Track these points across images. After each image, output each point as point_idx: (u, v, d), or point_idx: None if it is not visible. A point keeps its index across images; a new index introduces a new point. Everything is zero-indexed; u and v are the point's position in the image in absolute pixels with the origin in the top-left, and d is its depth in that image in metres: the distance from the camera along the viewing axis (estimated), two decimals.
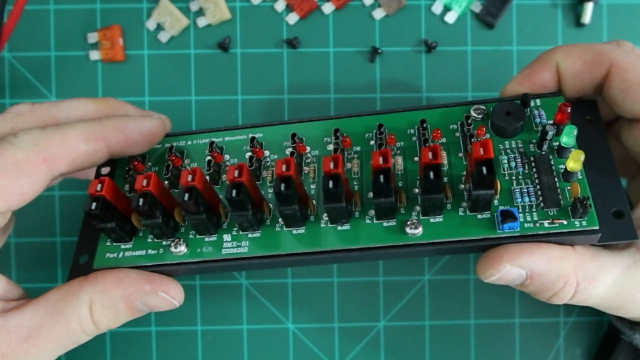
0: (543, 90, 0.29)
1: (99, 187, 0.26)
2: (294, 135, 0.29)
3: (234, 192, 0.25)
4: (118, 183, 0.28)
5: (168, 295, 0.27)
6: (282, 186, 0.24)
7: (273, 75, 0.37)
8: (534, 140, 0.28)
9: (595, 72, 0.28)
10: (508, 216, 0.25)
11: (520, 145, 0.28)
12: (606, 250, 0.27)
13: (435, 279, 0.37)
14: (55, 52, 0.37)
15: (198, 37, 0.37)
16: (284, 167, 0.24)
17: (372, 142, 0.29)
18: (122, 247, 0.28)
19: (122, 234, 0.27)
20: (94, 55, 0.36)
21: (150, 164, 0.30)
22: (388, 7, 0.37)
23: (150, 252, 0.28)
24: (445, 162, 0.27)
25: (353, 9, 0.37)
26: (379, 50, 0.36)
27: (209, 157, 0.29)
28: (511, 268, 0.25)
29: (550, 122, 0.27)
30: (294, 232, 0.27)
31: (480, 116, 0.28)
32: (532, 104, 0.29)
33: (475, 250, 0.26)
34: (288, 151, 0.29)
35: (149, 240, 0.28)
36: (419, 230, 0.26)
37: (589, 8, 0.36)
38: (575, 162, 0.25)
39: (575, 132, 0.26)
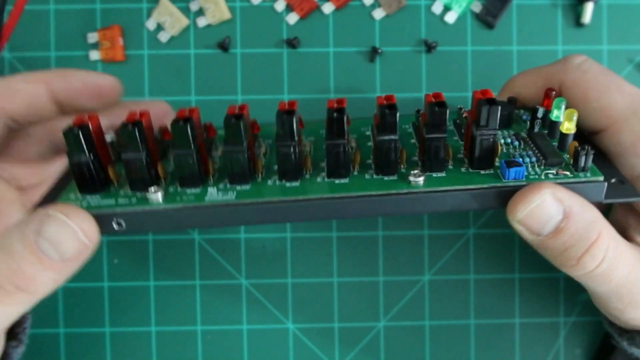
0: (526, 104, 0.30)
1: (85, 118, 0.25)
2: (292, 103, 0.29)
3: (232, 119, 0.24)
4: None
5: (66, 217, 0.23)
6: (284, 116, 0.25)
7: (273, 75, 0.37)
8: (525, 130, 0.28)
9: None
10: (512, 163, 0.24)
11: (512, 133, 0.28)
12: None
13: (435, 279, 0.37)
14: (55, 52, 0.37)
15: (198, 37, 0.37)
16: (286, 106, 0.25)
17: (367, 133, 0.29)
18: (88, 198, 0.25)
19: (94, 181, 0.25)
20: (94, 55, 0.36)
21: None
22: (388, 7, 0.37)
23: (121, 201, 0.25)
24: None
25: (353, 9, 0.37)
26: (379, 50, 0.36)
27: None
28: (552, 198, 0.24)
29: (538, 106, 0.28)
30: (288, 185, 0.25)
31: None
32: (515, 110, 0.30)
33: (480, 203, 0.25)
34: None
35: (122, 193, 0.25)
36: (422, 179, 0.25)
37: (589, 8, 0.36)
38: (569, 121, 0.25)
39: (564, 104, 0.26)
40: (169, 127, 0.26)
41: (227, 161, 0.25)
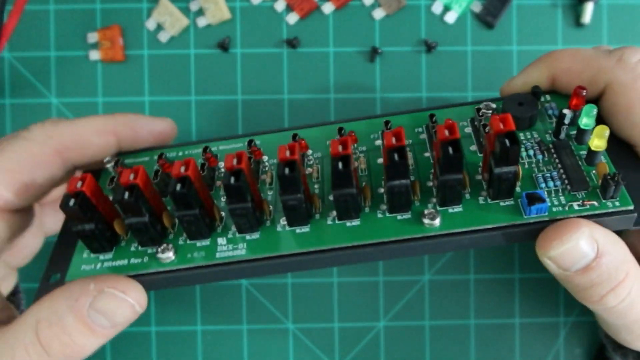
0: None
1: (79, 184, 0.23)
2: (295, 135, 0.28)
3: (232, 179, 0.22)
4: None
5: (116, 289, 0.23)
6: (287, 170, 0.22)
7: (273, 75, 0.37)
8: (550, 130, 0.26)
9: (591, 90, 0.26)
10: (535, 198, 0.23)
11: (536, 136, 0.26)
12: None
13: (435, 279, 0.37)
14: (55, 52, 0.37)
15: (198, 37, 0.37)
16: (287, 153, 0.22)
17: (377, 142, 0.27)
18: (101, 257, 0.25)
19: (101, 241, 0.24)
20: (94, 55, 0.36)
21: None
22: (388, 7, 0.37)
23: (134, 261, 0.25)
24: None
25: (353, 8, 0.37)
26: (379, 50, 0.36)
27: (202, 161, 0.27)
28: (587, 239, 0.22)
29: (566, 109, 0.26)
30: (298, 231, 0.24)
31: (489, 112, 0.27)
32: (542, 98, 0.28)
33: (499, 241, 0.24)
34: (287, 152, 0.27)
35: (133, 248, 0.25)
36: (437, 221, 0.23)
37: (589, 8, 0.36)
38: (600, 138, 0.23)
39: (595, 111, 0.24)
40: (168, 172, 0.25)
41: (234, 218, 0.24)
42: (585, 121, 0.24)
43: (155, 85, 0.37)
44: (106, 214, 0.25)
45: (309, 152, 0.28)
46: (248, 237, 0.25)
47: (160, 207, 0.25)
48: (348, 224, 0.24)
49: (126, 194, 0.23)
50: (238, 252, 0.24)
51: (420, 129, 0.28)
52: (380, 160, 0.27)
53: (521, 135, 0.26)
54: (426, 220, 0.23)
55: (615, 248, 0.23)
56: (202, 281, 0.25)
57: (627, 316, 0.24)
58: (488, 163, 0.23)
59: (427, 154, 0.27)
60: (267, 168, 0.27)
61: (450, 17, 0.37)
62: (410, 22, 0.37)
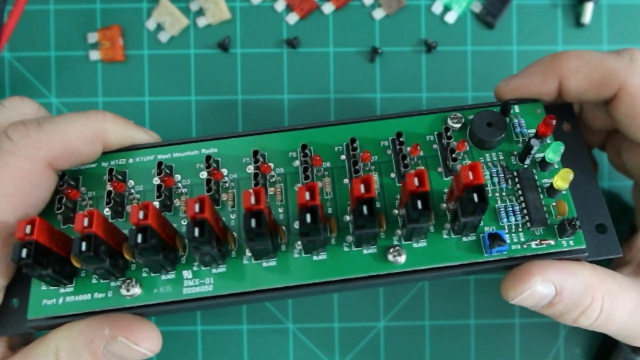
0: (538, 98, 0.27)
1: (28, 229, 0.22)
2: (256, 152, 0.26)
3: (196, 231, 0.22)
4: (48, 212, 0.25)
5: (130, 340, 0.23)
6: (253, 222, 0.22)
7: (273, 75, 0.37)
8: (515, 152, 0.26)
9: (601, 93, 0.26)
10: (496, 239, 0.24)
11: (501, 158, 0.26)
12: (621, 275, 0.26)
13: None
14: (55, 52, 0.37)
15: (198, 37, 0.37)
16: (252, 200, 0.22)
17: (343, 157, 0.27)
18: (62, 291, 0.24)
19: (60, 279, 0.24)
20: (94, 55, 0.36)
21: (84, 189, 0.27)
22: (388, 7, 0.37)
23: (98, 295, 0.24)
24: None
25: (353, 9, 0.37)
26: (379, 50, 0.36)
27: (158, 182, 0.26)
28: (542, 284, 0.24)
29: (533, 132, 0.26)
30: (264, 264, 0.24)
31: (458, 125, 0.27)
32: (512, 111, 0.27)
33: (459, 275, 0.25)
34: (250, 170, 0.26)
35: (94, 281, 0.24)
36: (403, 258, 0.24)
37: (589, 8, 0.36)
38: (563, 181, 0.25)
39: (562, 149, 0.25)
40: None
41: (198, 257, 0.23)
42: (551, 156, 0.25)
43: (155, 85, 0.37)
44: (62, 249, 0.24)
45: (272, 172, 0.27)
46: (214, 270, 0.25)
47: (119, 241, 0.24)
48: (315, 257, 0.25)
49: (83, 246, 0.22)
50: (205, 287, 0.24)
51: (386, 143, 0.27)
52: (346, 182, 0.26)
53: (486, 157, 0.26)
54: (391, 258, 0.24)
55: (575, 280, 0.24)
56: (168, 313, 0.25)
57: (609, 328, 0.25)
58: (454, 203, 0.24)
59: (392, 175, 0.26)
60: (227, 185, 0.26)
61: (450, 17, 0.37)
62: (410, 22, 0.37)
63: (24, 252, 0.22)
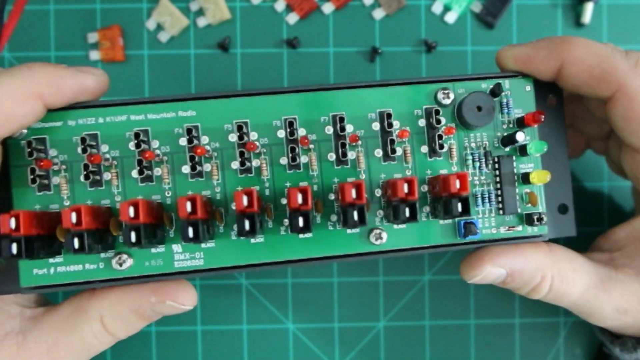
0: (533, 74, 0.27)
1: (13, 223, 0.22)
2: (240, 127, 0.26)
3: (190, 231, 0.23)
4: (19, 174, 0.25)
5: (177, 302, 0.26)
6: (247, 224, 0.23)
7: (273, 75, 0.37)
8: (499, 134, 0.27)
9: (598, 89, 0.26)
10: (470, 230, 0.26)
11: (485, 141, 0.27)
12: (583, 258, 0.28)
13: (435, 279, 0.37)
14: (55, 52, 0.37)
15: (198, 37, 0.37)
16: (245, 201, 0.23)
17: (329, 129, 0.26)
18: (51, 261, 0.25)
19: (49, 253, 0.24)
20: (94, 55, 0.36)
21: (55, 151, 0.25)
22: (388, 7, 0.37)
23: (89, 267, 0.25)
24: (409, 159, 0.27)
25: (353, 9, 0.37)
26: (379, 50, 0.36)
27: (139, 157, 0.25)
28: (492, 268, 0.27)
29: (519, 113, 0.27)
30: (252, 241, 0.26)
31: (447, 101, 0.27)
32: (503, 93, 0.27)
33: (434, 252, 0.28)
34: (233, 138, 0.26)
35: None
36: (384, 239, 0.26)
37: (589, 8, 0.36)
38: (540, 180, 0.26)
39: (545, 148, 0.26)
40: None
41: (182, 231, 0.23)
42: (532, 152, 0.27)
43: (155, 85, 0.37)
44: (47, 229, 0.23)
45: (257, 144, 0.26)
46: (204, 245, 0.26)
47: (106, 220, 0.24)
48: (301, 236, 0.26)
49: (75, 243, 0.22)
50: (196, 262, 0.26)
51: (373, 115, 0.27)
52: (332, 156, 0.26)
53: (470, 137, 0.27)
54: (374, 240, 0.26)
55: (526, 263, 0.27)
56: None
57: (562, 302, 0.28)
58: (436, 190, 0.26)
59: (378, 152, 0.26)
60: (209, 153, 0.26)
61: (450, 17, 0.37)
62: (410, 22, 0.37)
63: (14, 248, 0.22)
